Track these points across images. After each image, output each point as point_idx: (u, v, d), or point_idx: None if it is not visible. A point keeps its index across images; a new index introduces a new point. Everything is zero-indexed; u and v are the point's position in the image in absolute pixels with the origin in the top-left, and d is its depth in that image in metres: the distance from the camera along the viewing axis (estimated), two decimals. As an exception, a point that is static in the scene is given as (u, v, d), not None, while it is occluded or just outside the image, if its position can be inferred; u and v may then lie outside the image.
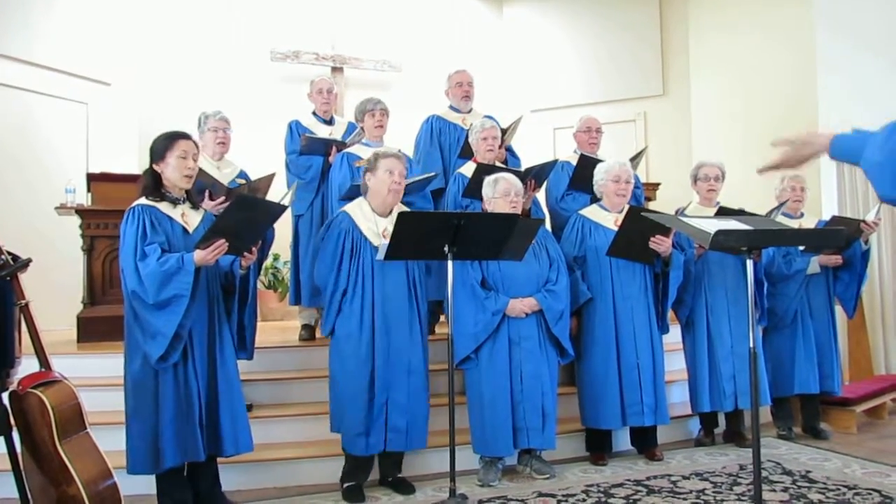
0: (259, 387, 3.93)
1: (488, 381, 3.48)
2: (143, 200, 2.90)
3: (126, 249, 2.80)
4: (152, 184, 2.93)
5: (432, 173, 4.17)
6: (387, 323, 3.29)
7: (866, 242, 4.26)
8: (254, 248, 2.96)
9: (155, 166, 2.93)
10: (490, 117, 4.71)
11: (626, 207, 3.85)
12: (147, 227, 2.81)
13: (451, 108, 4.87)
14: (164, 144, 2.91)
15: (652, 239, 3.69)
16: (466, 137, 4.49)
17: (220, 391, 2.94)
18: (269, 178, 4.04)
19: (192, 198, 3.06)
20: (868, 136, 1.45)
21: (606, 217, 3.90)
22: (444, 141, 4.73)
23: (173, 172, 2.91)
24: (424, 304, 3.48)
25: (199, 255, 2.76)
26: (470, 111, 4.84)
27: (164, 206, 2.91)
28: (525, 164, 4.62)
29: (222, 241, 2.77)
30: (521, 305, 3.49)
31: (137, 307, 2.79)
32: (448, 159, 4.65)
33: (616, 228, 3.79)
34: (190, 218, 2.99)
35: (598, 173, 3.97)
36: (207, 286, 2.95)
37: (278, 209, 3.03)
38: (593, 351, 3.81)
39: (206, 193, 3.54)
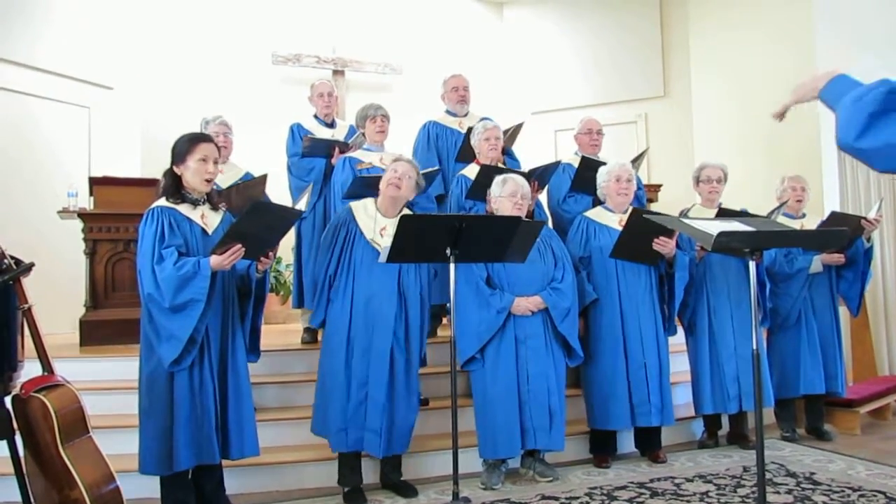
0: (263, 390, 3.92)
1: (495, 382, 3.47)
2: (162, 202, 2.89)
3: (143, 252, 2.81)
4: (172, 185, 2.92)
5: (435, 167, 4.17)
6: (368, 319, 3.28)
7: (868, 240, 4.25)
8: (270, 253, 2.96)
9: (175, 168, 2.92)
10: (488, 119, 4.72)
11: (630, 209, 3.85)
12: (165, 228, 2.81)
13: (448, 112, 4.85)
14: (185, 147, 2.90)
15: (655, 240, 3.68)
16: (464, 141, 4.49)
17: (229, 394, 2.94)
18: (262, 179, 4.04)
19: (212, 199, 3.05)
20: (858, 84, 1.47)
21: (611, 218, 3.91)
22: (442, 146, 4.72)
23: (193, 176, 2.90)
24: (417, 308, 3.40)
25: (215, 260, 2.76)
26: (466, 115, 4.83)
27: (183, 208, 2.91)
28: (526, 167, 4.61)
29: (238, 245, 2.77)
30: (526, 303, 3.49)
31: (153, 310, 2.79)
32: (446, 164, 4.64)
33: (619, 228, 3.80)
34: (209, 219, 2.98)
35: (600, 177, 3.98)
36: (223, 289, 2.94)
37: (294, 214, 3.04)
38: (600, 351, 3.81)
39: None
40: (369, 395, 3.26)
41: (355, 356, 3.27)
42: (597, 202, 4.20)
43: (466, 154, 4.47)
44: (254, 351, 3.15)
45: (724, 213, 3.93)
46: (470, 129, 4.52)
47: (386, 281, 3.33)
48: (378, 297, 3.31)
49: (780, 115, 1.95)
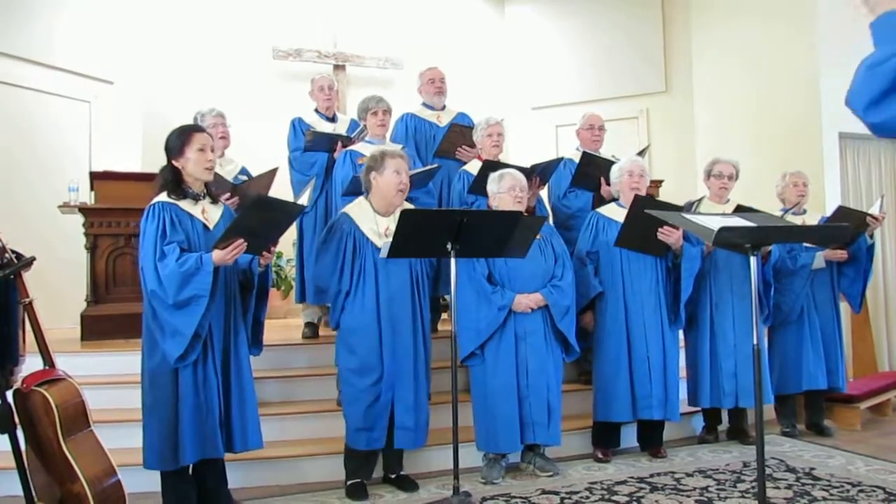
0: (264, 384, 3.92)
1: (494, 377, 3.48)
2: (163, 197, 2.88)
3: (146, 249, 2.80)
4: (173, 180, 2.91)
5: (435, 164, 4.16)
6: (393, 321, 3.30)
7: (871, 237, 4.25)
8: (272, 247, 2.96)
9: (174, 162, 2.91)
10: (464, 114, 4.72)
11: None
12: (167, 225, 2.81)
13: (425, 105, 4.81)
14: (180, 139, 2.90)
15: (660, 230, 3.67)
16: (446, 135, 4.46)
17: (231, 387, 2.94)
18: (271, 174, 4.04)
19: (212, 192, 3.04)
20: None
21: (620, 213, 3.89)
22: (420, 139, 4.68)
23: (195, 166, 2.89)
24: (427, 303, 3.48)
25: (217, 255, 2.76)
26: (443, 108, 4.80)
27: (184, 204, 2.90)
28: (527, 162, 4.60)
29: (241, 240, 2.77)
30: (526, 301, 3.49)
31: (157, 306, 2.79)
32: (424, 157, 4.60)
33: None
34: (210, 214, 2.98)
35: (613, 174, 3.98)
36: (225, 284, 2.94)
37: (296, 209, 3.04)
38: (605, 345, 3.82)
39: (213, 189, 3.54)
40: (397, 395, 3.29)
41: (386, 357, 3.27)
42: (597, 198, 4.19)
43: (445, 149, 4.42)
44: (256, 344, 3.16)
45: (740, 210, 3.91)
46: (452, 125, 4.51)
47: (403, 279, 3.34)
48: (399, 296, 3.32)
49: None
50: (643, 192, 3.90)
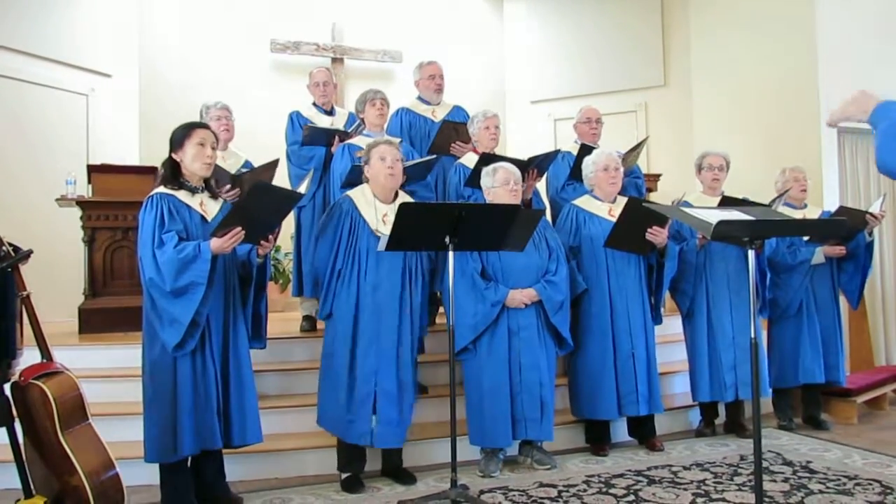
0: (263, 377, 3.91)
1: (487, 372, 3.48)
2: (161, 189, 2.90)
3: (144, 237, 2.82)
4: (171, 172, 2.93)
5: (433, 156, 4.15)
6: (377, 309, 3.29)
7: (870, 234, 4.26)
8: (271, 237, 2.96)
9: (174, 155, 2.93)
10: (459, 108, 4.70)
11: (625, 198, 3.84)
12: (165, 214, 2.82)
13: (420, 99, 4.76)
14: (182, 133, 2.92)
15: (649, 230, 3.69)
16: (438, 132, 4.45)
17: (230, 381, 2.94)
18: (272, 165, 4.03)
19: (211, 187, 3.05)
20: None
21: (600, 207, 3.90)
22: (415, 134, 4.64)
23: (191, 161, 2.91)
24: (419, 296, 3.44)
25: (215, 243, 2.76)
26: (439, 103, 4.76)
27: (182, 195, 2.91)
28: (525, 155, 4.59)
29: (239, 228, 2.77)
30: (520, 296, 3.49)
31: (155, 295, 2.80)
32: (420, 152, 4.55)
33: (610, 218, 3.80)
34: (208, 207, 2.98)
35: (587, 166, 3.97)
36: (224, 275, 2.95)
37: (295, 196, 3.02)
38: (589, 342, 3.81)
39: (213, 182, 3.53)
40: (379, 385, 3.27)
41: (362, 345, 3.27)
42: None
43: (439, 145, 4.38)
44: (258, 338, 3.16)
45: (727, 202, 3.93)
46: (444, 122, 4.49)
47: (392, 268, 3.34)
48: (385, 284, 3.31)
49: (833, 124, 2.09)
50: (619, 186, 3.91)
